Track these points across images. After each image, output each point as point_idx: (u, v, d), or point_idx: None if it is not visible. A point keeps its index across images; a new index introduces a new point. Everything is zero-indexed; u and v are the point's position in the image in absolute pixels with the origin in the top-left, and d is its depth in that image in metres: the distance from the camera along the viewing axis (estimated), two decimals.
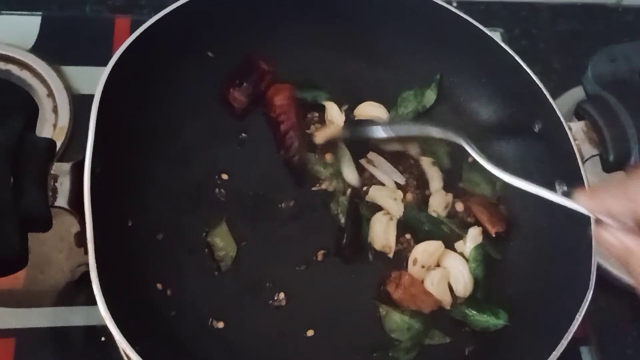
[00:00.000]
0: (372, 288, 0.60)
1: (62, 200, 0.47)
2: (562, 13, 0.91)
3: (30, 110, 0.47)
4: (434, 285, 0.59)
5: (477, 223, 0.63)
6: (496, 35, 0.65)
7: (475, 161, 0.57)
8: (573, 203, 0.43)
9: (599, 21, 0.92)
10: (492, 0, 0.90)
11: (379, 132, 0.62)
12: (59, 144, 0.66)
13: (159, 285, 0.56)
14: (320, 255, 0.60)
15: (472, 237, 0.62)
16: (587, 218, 0.54)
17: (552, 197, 0.47)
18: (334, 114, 0.66)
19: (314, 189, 0.63)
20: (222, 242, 0.59)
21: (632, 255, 0.37)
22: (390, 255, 0.61)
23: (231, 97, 0.63)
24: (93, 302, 0.45)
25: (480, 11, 0.88)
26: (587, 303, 0.52)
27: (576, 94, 0.80)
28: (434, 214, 0.63)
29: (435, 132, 0.61)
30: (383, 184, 0.64)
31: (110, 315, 0.44)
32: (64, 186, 0.47)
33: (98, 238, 0.46)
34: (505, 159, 0.65)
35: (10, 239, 0.42)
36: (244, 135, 0.64)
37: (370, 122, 0.64)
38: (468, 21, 0.64)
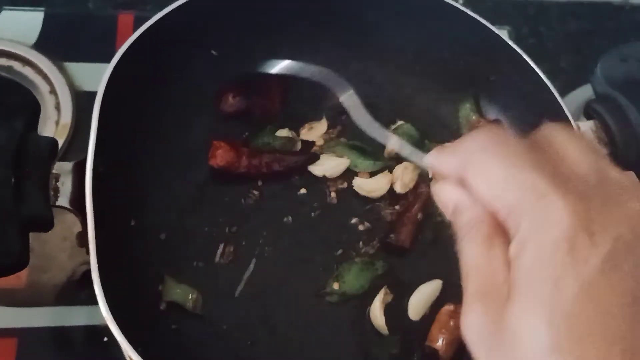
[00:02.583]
0: None
1: (64, 200, 0.46)
2: (570, 11, 0.91)
3: (32, 109, 0.47)
4: None
5: None
6: (503, 34, 0.64)
7: None
8: (422, 160, 0.40)
9: (607, 20, 0.91)
10: None
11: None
12: (61, 142, 0.66)
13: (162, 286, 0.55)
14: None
15: None
16: None
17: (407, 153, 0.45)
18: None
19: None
20: None
21: (456, 211, 0.34)
22: None
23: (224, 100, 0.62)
24: (95, 302, 0.44)
25: (487, 9, 0.87)
26: None
27: (583, 92, 0.80)
28: None
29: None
30: None
31: (111, 316, 0.44)
32: (65, 186, 0.47)
33: (100, 238, 0.45)
34: None
35: (11, 240, 0.42)
36: (247, 134, 0.63)
37: None
38: (475, 19, 0.63)
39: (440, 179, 0.35)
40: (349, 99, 0.51)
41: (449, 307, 0.56)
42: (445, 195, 0.35)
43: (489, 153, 0.32)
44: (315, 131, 0.64)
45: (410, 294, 0.58)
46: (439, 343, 0.54)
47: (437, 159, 0.35)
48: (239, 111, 0.63)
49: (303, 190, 0.62)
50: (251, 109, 0.63)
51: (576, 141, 0.32)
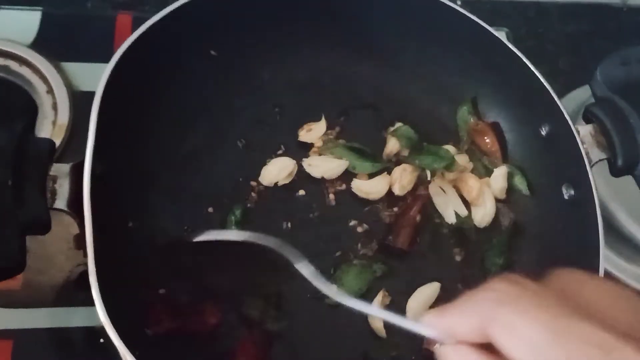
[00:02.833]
0: None
1: (61, 202, 0.46)
2: (568, 13, 0.91)
3: (29, 111, 0.46)
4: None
5: None
6: (502, 35, 0.64)
7: None
8: (420, 326, 0.37)
9: (606, 21, 0.91)
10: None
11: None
12: (58, 142, 0.65)
13: (162, 291, 0.54)
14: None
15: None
16: (594, 221, 0.54)
17: (397, 321, 0.41)
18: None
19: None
20: None
21: None
22: None
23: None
24: (92, 303, 0.44)
25: (486, 10, 0.87)
26: None
27: (581, 94, 0.80)
28: None
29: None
30: None
31: (109, 320, 0.44)
32: (63, 188, 0.46)
33: (98, 241, 0.45)
34: (512, 162, 0.65)
35: (8, 244, 0.42)
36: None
37: None
38: (473, 20, 0.63)
39: (446, 343, 0.31)
40: (304, 267, 0.50)
41: None
42: None
43: (519, 304, 0.26)
44: (314, 132, 0.64)
45: (409, 297, 0.58)
46: (437, 346, 0.54)
47: (445, 321, 0.31)
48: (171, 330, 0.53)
49: (301, 192, 0.62)
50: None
51: (603, 285, 0.28)
